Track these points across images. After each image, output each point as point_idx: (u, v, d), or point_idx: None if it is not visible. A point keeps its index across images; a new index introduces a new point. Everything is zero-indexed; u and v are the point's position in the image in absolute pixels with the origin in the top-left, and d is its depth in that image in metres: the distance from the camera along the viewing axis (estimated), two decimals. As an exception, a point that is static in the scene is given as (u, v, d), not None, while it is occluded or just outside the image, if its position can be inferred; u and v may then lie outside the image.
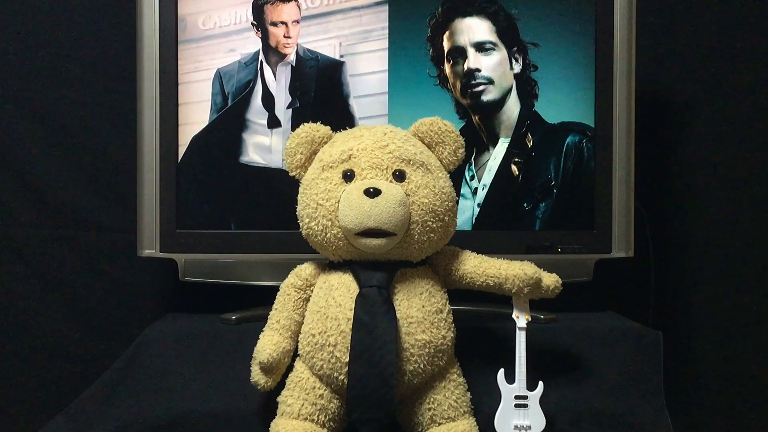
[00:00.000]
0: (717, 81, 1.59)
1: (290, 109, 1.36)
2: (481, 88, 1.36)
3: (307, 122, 1.14)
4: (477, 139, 1.37)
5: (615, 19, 1.35)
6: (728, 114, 1.59)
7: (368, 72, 1.35)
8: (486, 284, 1.12)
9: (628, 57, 1.35)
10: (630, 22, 1.35)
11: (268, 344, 1.10)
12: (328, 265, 1.14)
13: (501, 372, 1.14)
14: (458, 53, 1.36)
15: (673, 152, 1.60)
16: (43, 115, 1.54)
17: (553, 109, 1.37)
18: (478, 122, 1.37)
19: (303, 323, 1.12)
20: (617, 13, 1.35)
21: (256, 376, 1.11)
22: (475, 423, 1.12)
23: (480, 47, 1.36)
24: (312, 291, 1.13)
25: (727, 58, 1.59)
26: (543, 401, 1.14)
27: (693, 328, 1.60)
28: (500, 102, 1.37)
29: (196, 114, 1.35)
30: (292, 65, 1.36)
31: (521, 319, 1.14)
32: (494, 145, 1.37)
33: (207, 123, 1.35)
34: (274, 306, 1.14)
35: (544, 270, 1.14)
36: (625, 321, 1.38)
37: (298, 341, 1.12)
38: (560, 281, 1.14)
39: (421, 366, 1.07)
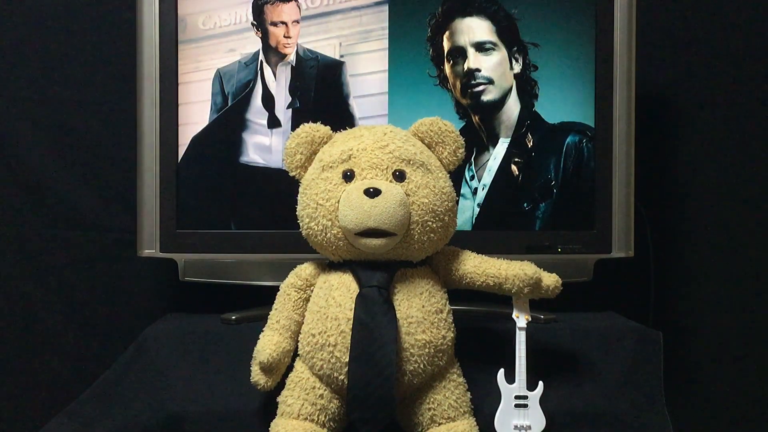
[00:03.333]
0: (717, 81, 1.59)
1: (290, 109, 1.36)
2: (481, 88, 1.36)
3: (307, 122, 1.14)
4: (477, 139, 1.36)
5: (615, 19, 1.35)
6: (728, 113, 1.59)
7: (368, 72, 1.35)
8: (486, 284, 1.12)
9: (628, 57, 1.35)
10: (630, 22, 1.35)
11: (269, 344, 1.10)
12: (328, 265, 1.13)
13: (501, 372, 1.14)
14: (458, 53, 1.36)
15: (673, 152, 1.60)
16: (43, 115, 1.53)
17: (553, 109, 1.37)
18: (478, 122, 1.37)
19: (303, 323, 1.12)
20: (617, 13, 1.35)
21: (256, 376, 1.11)
22: (475, 423, 1.12)
23: (480, 47, 1.36)
24: (312, 291, 1.13)
25: (727, 58, 1.59)
26: (543, 401, 1.14)
27: (693, 328, 1.60)
28: (500, 102, 1.37)
29: (196, 114, 1.35)
30: (292, 65, 1.36)
31: (521, 319, 1.14)
32: (494, 145, 1.37)
33: (207, 123, 1.35)
34: (274, 306, 1.14)
35: (544, 270, 1.14)
36: (625, 321, 1.38)
37: (298, 341, 1.12)
38: (560, 281, 1.14)
39: (421, 366, 1.07)
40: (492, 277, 1.12)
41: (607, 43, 1.35)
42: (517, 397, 1.13)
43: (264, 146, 1.35)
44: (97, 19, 1.54)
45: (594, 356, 1.26)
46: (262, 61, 1.36)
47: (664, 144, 1.59)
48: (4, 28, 1.54)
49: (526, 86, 1.37)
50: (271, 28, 1.35)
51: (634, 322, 1.36)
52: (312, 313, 1.10)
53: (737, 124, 1.59)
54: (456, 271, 1.13)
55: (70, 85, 1.54)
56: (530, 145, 1.37)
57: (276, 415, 1.11)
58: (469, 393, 1.13)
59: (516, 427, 1.13)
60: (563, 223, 1.37)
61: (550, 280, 1.13)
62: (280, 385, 1.12)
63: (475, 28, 1.36)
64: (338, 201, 1.06)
